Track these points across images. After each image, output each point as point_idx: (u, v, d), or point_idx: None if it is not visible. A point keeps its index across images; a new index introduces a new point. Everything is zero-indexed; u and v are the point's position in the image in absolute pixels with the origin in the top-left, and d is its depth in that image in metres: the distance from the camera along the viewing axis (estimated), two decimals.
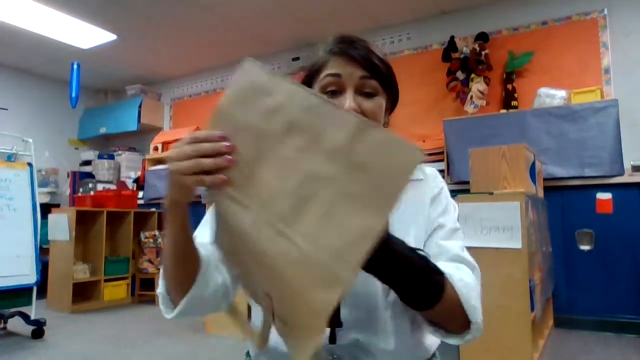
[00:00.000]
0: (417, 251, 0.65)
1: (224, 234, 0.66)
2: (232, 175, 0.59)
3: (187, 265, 0.70)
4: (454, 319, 0.68)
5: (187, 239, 0.69)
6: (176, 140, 5.08)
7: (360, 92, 0.79)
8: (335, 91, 0.79)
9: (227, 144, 0.60)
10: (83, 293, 4.11)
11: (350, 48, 0.78)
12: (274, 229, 0.54)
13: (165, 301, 0.75)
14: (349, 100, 0.77)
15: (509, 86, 3.53)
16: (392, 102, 0.88)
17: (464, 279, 0.69)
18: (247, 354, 0.90)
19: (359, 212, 0.51)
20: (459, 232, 0.82)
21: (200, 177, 0.59)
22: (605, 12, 3.32)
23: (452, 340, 0.71)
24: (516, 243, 2.08)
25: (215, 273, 0.74)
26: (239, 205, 0.58)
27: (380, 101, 0.81)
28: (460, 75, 3.65)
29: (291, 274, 0.52)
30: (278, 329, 0.62)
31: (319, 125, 0.56)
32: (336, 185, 0.53)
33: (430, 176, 0.87)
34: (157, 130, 5.56)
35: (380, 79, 0.80)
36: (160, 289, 0.75)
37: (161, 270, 0.75)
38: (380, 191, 0.51)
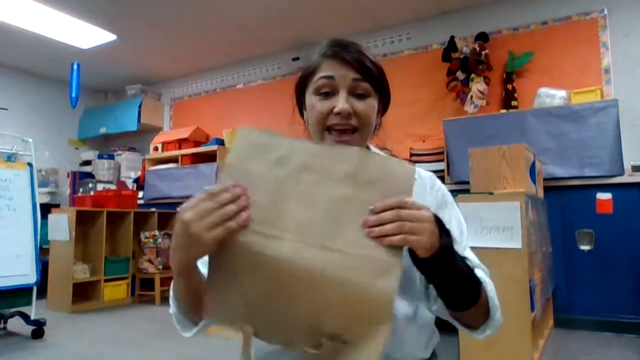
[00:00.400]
0: (465, 261, 0.75)
1: (250, 280, 0.63)
2: (255, 215, 0.63)
3: (200, 302, 0.71)
4: (477, 318, 0.77)
5: (200, 287, 0.69)
6: (176, 140, 5.10)
7: (353, 93, 0.81)
8: (328, 93, 0.81)
9: (240, 188, 0.63)
10: (83, 293, 4.11)
11: (343, 51, 0.81)
12: (318, 247, 0.61)
13: (180, 320, 0.78)
14: (341, 101, 0.79)
15: (509, 86, 3.53)
16: (384, 104, 0.89)
17: (491, 283, 0.80)
18: None
19: None
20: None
21: (227, 225, 0.60)
22: (605, 12, 3.32)
23: (475, 335, 0.80)
24: (516, 243, 2.08)
25: None
26: (270, 238, 0.62)
27: (372, 102, 0.83)
28: (460, 75, 3.65)
29: (349, 278, 0.60)
30: (326, 351, 0.63)
31: (327, 163, 0.67)
32: (358, 200, 0.64)
33: (426, 179, 0.89)
34: (157, 130, 5.57)
35: (372, 81, 0.82)
36: (173, 309, 0.78)
37: (172, 293, 0.77)
38: (394, 193, 0.64)
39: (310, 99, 0.84)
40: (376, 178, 0.65)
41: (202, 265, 0.71)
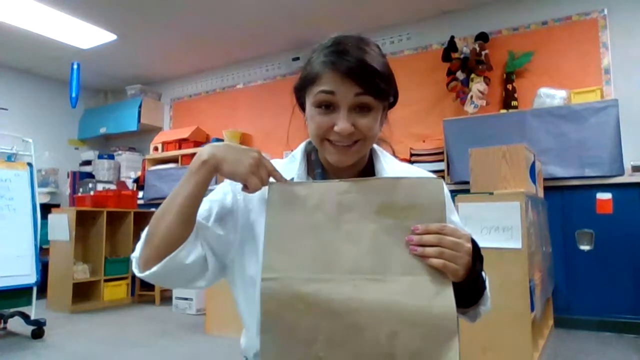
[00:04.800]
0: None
1: (319, 330, 0.66)
2: (310, 264, 0.67)
3: (186, 226, 0.75)
4: (472, 307, 0.81)
5: (199, 199, 0.75)
6: (176, 140, 5.09)
7: (355, 107, 0.78)
8: (329, 106, 0.78)
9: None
10: (83, 293, 4.11)
11: (345, 62, 0.75)
12: (374, 281, 0.66)
13: (137, 263, 0.78)
14: (342, 120, 0.77)
15: (509, 86, 3.53)
16: (391, 102, 0.87)
17: (487, 279, 0.83)
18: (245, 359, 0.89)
19: None
20: None
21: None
22: (605, 12, 3.32)
23: (467, 319, 0.84)
24: (516, 243, 2.08)
25: (199, 244, 0.77)
26: (330, 282, 0.66)
27: (376, 115, 0.80)
28: (460, 75, 3.65)
29: (409, 303, 0.64)
30: None
31: (360, 198, 0.70)
32: (399, 227, 0.68)
33: None
34: (157, 130, 5.57)
35: (376, 93, 0.78)
36: (136, 252, 0.79)
37: (144, 233, 0.79)
38: (431, 215, 0.68)
39: (310, 109, 0.81)
40: (411, 202, 0.69)
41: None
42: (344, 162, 0.81)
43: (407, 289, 0.65)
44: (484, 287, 0.80)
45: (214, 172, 0.74)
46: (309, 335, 0.65)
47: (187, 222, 0.75)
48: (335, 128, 0.77)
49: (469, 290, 0.74)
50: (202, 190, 0.75)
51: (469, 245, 0.69)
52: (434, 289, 0.65)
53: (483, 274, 0.80)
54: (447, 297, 0.65)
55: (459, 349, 0.64)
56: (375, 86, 0.77)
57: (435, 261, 0.66)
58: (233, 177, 0.73)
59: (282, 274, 0.67)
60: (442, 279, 0.66)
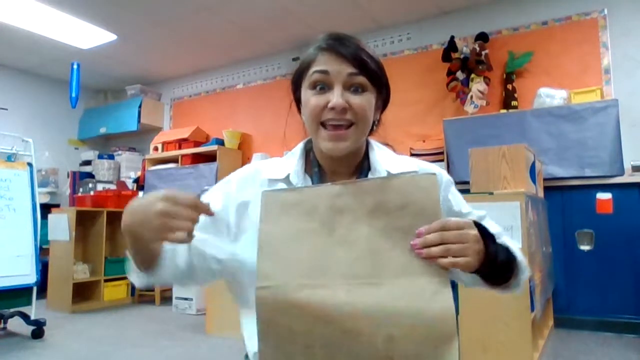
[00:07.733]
0: (500, 242, 0.75)
1: (314, 335, 0.65)
2: (304, 269, 0.66)
3: (149, 262, 0.78)
4: (506, 281, 0.79)
5: (150, 256, 0.76)
6: (176, 140, 5.10)
7: (349, 88, 0.79)
8: (323, 87, 0.80)
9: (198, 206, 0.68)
10: (83, 293, 4.11)
11: (339, 45, 0.79)
12: (369, 285, 0.64)
13: (133, 274, 0.81)
14: (336, 95, 0.78)
15: (509, 86, 3.53)
16: (384, 100, 0.88)
17: (515, 244, 0.82)
18: (246, 357, 0.89)
19: None
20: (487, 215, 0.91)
21: (166, 235, 0.66)
22: (605, 12, 3.32)
23: (506, 293, 0.81)
24: (516, 243, 2.08)
25: (176, 260, 0.80)
26: (324, 287, 0.65)
27: (369, 97, 0.81)
28: (460, 75, 3.65)
29: (405, 306, 0.63)
30: None
31: (353, 201, 0.69)
32: (393, 228, 0.67)
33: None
34: (157, 130, 5.56)
35: (369, 75, 0.80)
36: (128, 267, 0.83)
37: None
38: (425, 212, 0.66)
39: (306, 93, 0.82)
40: (405, 202, 0.67)
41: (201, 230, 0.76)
42: (339, 149, 0.81)
43: (404, 291, 0.63)
44: (513, 257, 0.78)
45: (137, 241, 0.72)
46: (306, 341, 0.65)
47: (148, 262, 0.78)
48: (329, 104, 0.78)
49: (494, 271, 0.72)
50: (143, 254, 0.76)
51: (474, 232, 0.67)
52: (431, 289, 0.63)
53: (507, 243, 0.78)
54: (445, 298, 0.63)
55: (458, 349, 0.62)
56: (369, 67, 0.80)
57: (443, 261, 0.64)
58: (153, 242, 0.71)
59: (276, 282, 0.66)
60: (439, 279, 0.64)
